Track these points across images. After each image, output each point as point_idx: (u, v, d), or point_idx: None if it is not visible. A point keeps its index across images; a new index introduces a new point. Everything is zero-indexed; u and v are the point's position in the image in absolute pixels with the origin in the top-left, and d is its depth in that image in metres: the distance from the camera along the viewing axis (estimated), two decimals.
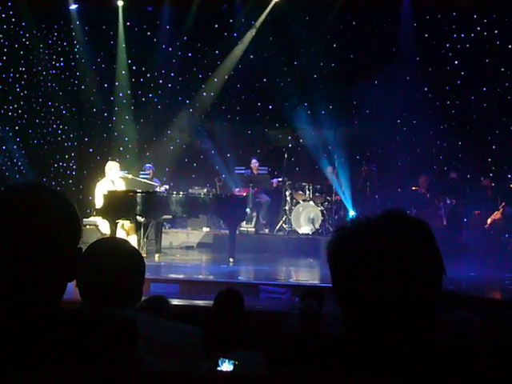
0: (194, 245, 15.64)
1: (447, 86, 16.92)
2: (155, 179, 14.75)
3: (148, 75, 18.23)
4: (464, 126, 16.66)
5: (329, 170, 16.16)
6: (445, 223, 14.54)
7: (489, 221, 14.23)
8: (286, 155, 16.68)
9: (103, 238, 2.94)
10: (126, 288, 2.62)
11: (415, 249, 1.55)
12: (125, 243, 2.84)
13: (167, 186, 14.09)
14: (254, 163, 16.40)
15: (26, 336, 1.45)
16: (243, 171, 16.56)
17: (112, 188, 12.54)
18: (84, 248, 2.76)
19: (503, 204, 14.22)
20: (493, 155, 16.65)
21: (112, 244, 2.77)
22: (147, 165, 15.60)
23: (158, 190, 13.75)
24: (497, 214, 14.20)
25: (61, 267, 1.57)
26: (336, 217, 15.82)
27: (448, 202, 14.86)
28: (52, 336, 1.47)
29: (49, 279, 1.55)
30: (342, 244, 1.60)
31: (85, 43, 17.93)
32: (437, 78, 16.87)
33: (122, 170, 13.34)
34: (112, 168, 12.97)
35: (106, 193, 12.15)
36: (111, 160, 13.64)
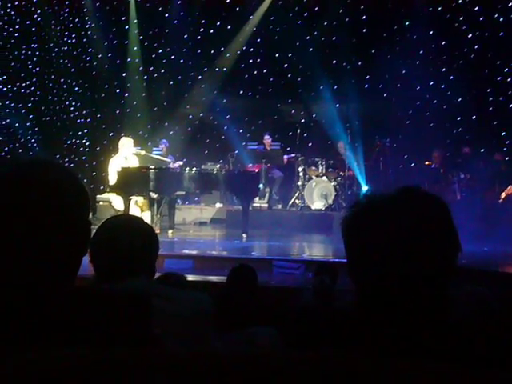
0: (208, 221, 15.66)
1: (461, 59, 16.77)
2: (169, 156, 14.73)
3: (160, 51, 18.15)
4: (478, 101, 16.54)
5: (341, 145, 16.11)
6: (458, 198, 14.49)
7: (503, 195, 14.17)
8: (298, 130, 16.63)
9: (117, 215, 2.95)
10: (140, 264, 2.63)
11: (431, 226, 1.54)
12: (138, 220, 2.85)
13: (181, 163, 14.08)
14: (267, 139, 16.36)
15: (39, 314, 1.45)
16: (256, 147, 16.53)
17: (125, 164, 12.56)
18: (98, 224, 2.77)
19: None
20: (507, 130, 16.54)
21: (126, 220, 2.78)
22: (163, 140, 15.61)
23: (171, 166, 13.74)
24: (510, 189, 14.13)
25: (72, 241, 1.57)
26: (349, 192, 15.79)
27: (462, 176, 14.80)
28: (65, 314, 1.47)
29: (61, 254, 1.55)
30: (356, 220, 1.59)
31: (96, 19, 17.86)
32: (451, 51, 16.75)
33: (134, 146, 13.33)
34: (125, 144, 12.98)
35: (119, 169, 12.17)
36: (125, 136, 13.63)
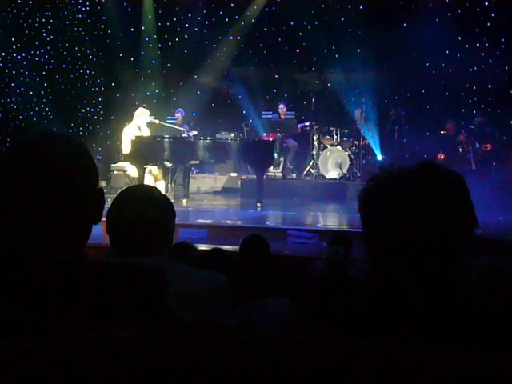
0: (222, 190, 15.68)
1: (477, 28, 16.62)
2: (184, 125, 14.71)
3: (174, 19, 18.08)
4: (494, 70, 16.41)
5: (357, 113, 16.05)
6: (474, 167, 14.44)
7: None
8: (313, 99, 16.57)
9: (133, 186, 2.95)
10: (156, 235, 2.63)
11: (447, 200, 1.53)
12: (154, 190, 2.84)
13: (195, 132, 14.05)
14: (282, 108, 16.31)
15: (50, 287, 1.45)
16: (270, 116, 16.50)
17: (138, 134, 12.55)
18: (113, 193, 2.77)
19: None
20: None
21: (142, 191, 2.78)
22: (179, 108, 15.60)
23: (185, 135, 13.73)
24: None
25: (82, 210, 1.58)
26: (364, 161, 15.77)
27: (477, 146, 14.73)
28: (79, 288, 1.47)
29: (71, 222, 1.56)
30: (373, 193, 1.59)
31: None
32: (467, 20, 16.59)
33: (149, 115, 13.32)
34: (142, 114, 12.97)
35: (133, 138, 12.18)
36: (142, 106, 13.60)
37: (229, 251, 8.61)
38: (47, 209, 1.52)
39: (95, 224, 1.65)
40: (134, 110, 13.20)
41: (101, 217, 1.65)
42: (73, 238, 1.57)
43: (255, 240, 5.60)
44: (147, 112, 13.09)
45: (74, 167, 1.56)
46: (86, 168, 1.60)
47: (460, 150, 14.82)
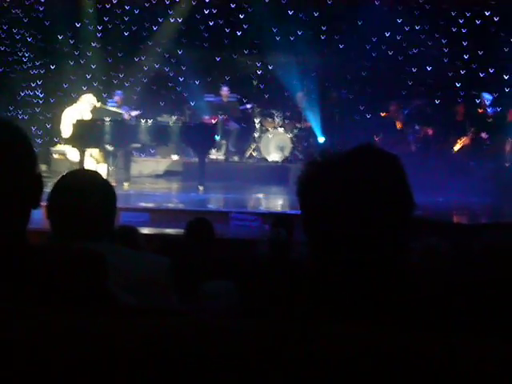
0: (163, 173, 15.62)
1: (417, 10, 16.77)
2: (124, 107, 14.61)
3: (114, 1, 17.89)
4: (432, 52, 16.62)
5: (300, 95, 16.09)
6: (413, 149, 14.61)
7: (456, 147, 14.32)
8: (255, 82, 16.59)
9: (73, 170, 2.93)
10: (98, 220, 2.62)
11: (385, 183, 1.56)
12: (95, 175, 2.83)
13: (138, 112, 13.95)
14: (225, 91, 16.23)
15: None
16: (213, 99, 16.44)
17: (79, 117, 12.43)
18: (53, 177, 2.76)
19: (472, 129, 14.28)
20: (461, 80, 16.71)
21: (83, 176, 2.77)
22: (117, 91, 15.48)
23: (126, 116, 13.64)
24: (465, 140, 14.28)
25: (20, 194, 1.57)
26: (306, 144, 15.85)
27: (416, 128, 14.91)
28: (18, 271, 1.47)
29: (9, 208, 1.55)
30: (311, 178, 1.60)
31: None
32: (406, 2, 16.77)
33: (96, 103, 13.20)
34: (89, 101, 12.86)
35: (74, 122, 12.06)
36: (90, 93, 13.45)
37: (172, 234, 8.65)
38: None
39: (34, 209, 1.64)
40: (76, 93, 13.06)
41: (39, 201, 1.65)
42: (11, 223, 1.57)
43: (200, 223, 5.62)
44: (94, 99, 12.98)
45: (9, 152, 1.55)
46: (23, 152, 1.59)
47: (399, 132, 14.96)
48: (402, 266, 1.62)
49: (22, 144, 1.60)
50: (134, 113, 13.79)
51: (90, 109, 12.84)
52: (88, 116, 12.78)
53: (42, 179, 1.65)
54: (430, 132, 14.78)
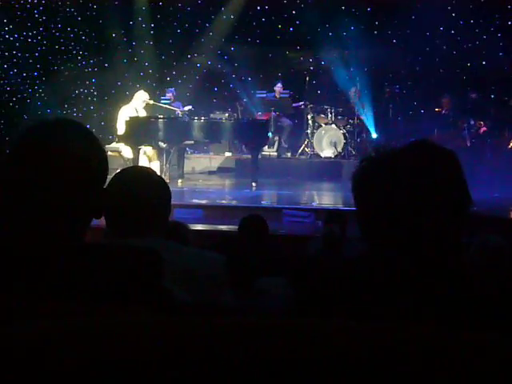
0: (216, 170, 15.67)
1: (471, 4, 16.54)
2: (176, 102, 14.69)
3: None
4: (488, 46, 16.37)
5: (351, 91, 16.02)
6: (468, 144, 14.43)
7: None
8: (307, 78, 16.55)
9: (128, 167, 2.95)
10: (152, 216, 2.63)
11: (441, 179, 1.54)
12: (150, 172, 2.85)
13: (190, 107, 14.00)
14: (279, 87, 16.21)
15: (46, 270, 1.46)
16: (265, 95, 16.45)
17: (134, 115, 12.53)
18: (108, 175, 2.78)
19: None
20: None
21: (137, 173, 2.79)
22: (170, 88, 15.56)
23: (179, 113, 13.72)
24: None
25: (86, 207, 1.59)
26: (358, 140, 15.79)
27: (472, 122, 14.72)
28: (75, 269, 1.48)
29: (73, 218, 1.57)
30: (367, 174, 1.59)
31: None
32: None
33: (148, 99, 13.28)
34: (141, 97, 12.94)
35: (127, 119, 12.16)
36: (142, 89, 13.53)
37: (226, 231, 8.67)
38: (57, 198, 1.53)
39: (96, 218, 1.66)
40: (131, 91, 13.16)
41: (102, 214, 1.67)
42: (72, 231, 1.58)
43: (254, 219, 5.62)
44: (147, 95, 13.06)
45: (86, 165, 1.57)
46: (98, 168, 1.61)
47: (454, 126, 14.79)
48: (459, 262, 1.60)
49: (98, 158, 1.62)
50: (187, 107, 13.84)
51: (143, 105, 12.92)
52: (142, 113, 12.87)
53: (107, 194, 1.67)
54: (485, 127, 14.58)
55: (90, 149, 1.61)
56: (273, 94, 16.23)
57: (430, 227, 1.52)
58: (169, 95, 15.23)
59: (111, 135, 14.51)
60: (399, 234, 1.53)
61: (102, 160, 1.64)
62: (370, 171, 1.59)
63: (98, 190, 1.62)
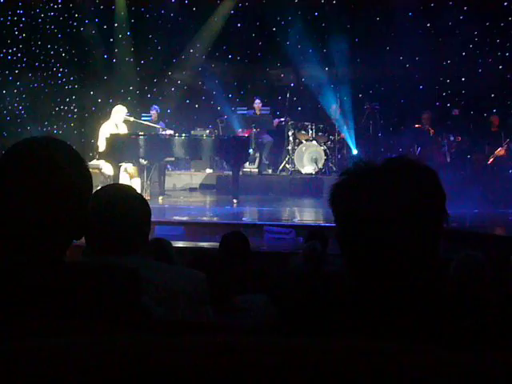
0: (198, 186, 15.66)
1: (450, 21, 16.65)
2: (160, 122, 14.65)
3: (147, 15, 18.03)
4: (468, 62, 16.48)
5: (332, 108, 16.09)
6: (448, 160, 14.52)
7: (491, 159, 14.20)
8: (288, 94, 16.61)
9: (108, 185, 2.94)
10: (132, 234, 2.63)
11: (418, 195, 1.54)
12: (130, 189, 2.84)
13: (171, 131, 14.02)
14: (258, 103, 16.27)
15: (24, 289, 1.45)
16: (245, 112, 16.50)
17: (115, 131, 12.49)
18: None
19: (507, 141, 14.16)
20: (497, 90, 16.52)
21: (117, 190, 2.77)
22: (154, 106, 15.53)
23: (160, 129, 13.71)
24: (500, 151, 14.16)
25: (68, 226, 1.58)
26: (339, 156, 15.86)
27: (451, 138, 14.82)
28: (53, 288, 1.47)
29: (55, 236, 1.56)
30: (345, 189, 1.59)
31: None
32: (439, 13, 16.65)
33: (126, 112, 13.24)
34: (119, 111, 12.88)
35: (108, 136, 12.12)
36: (120, 104, 13.50)
37: (207, 248, 8.65)
38: (41, 215, 1.52)
39: (77, 239, 1.66)
40: (111, 108, 13.13)
41: (82, 236, 1.66)
42: (52, 251, 1.57)
43: (235, 236, 5.61)
44: (125, 109, 12.99)
45: (71, 186, 1.57)
46: (84, 189, 1.62)
47: (434, 142, 14.87)
48: (438, 278, 1.60)
49: (84, 177, 1.62)
50: (169, 132, 13.81)
51: (123, 120, 12.86)
52: (123, 128, 12.83)
53: (89, 217, 1.66)
54: (463, 140, 14.70)
55: (75, 167, 1.60)
56: (253, 110, 16.27)
57: (407, 243, 1.52)
58: (152, 112, 15.21)
59: (91, 152, 14.47)
60: (377, 250, 1.53)
61: (87, 179, 1.64)
62: (348, 186, 1.59)
63: (82, 209, 1.61)
